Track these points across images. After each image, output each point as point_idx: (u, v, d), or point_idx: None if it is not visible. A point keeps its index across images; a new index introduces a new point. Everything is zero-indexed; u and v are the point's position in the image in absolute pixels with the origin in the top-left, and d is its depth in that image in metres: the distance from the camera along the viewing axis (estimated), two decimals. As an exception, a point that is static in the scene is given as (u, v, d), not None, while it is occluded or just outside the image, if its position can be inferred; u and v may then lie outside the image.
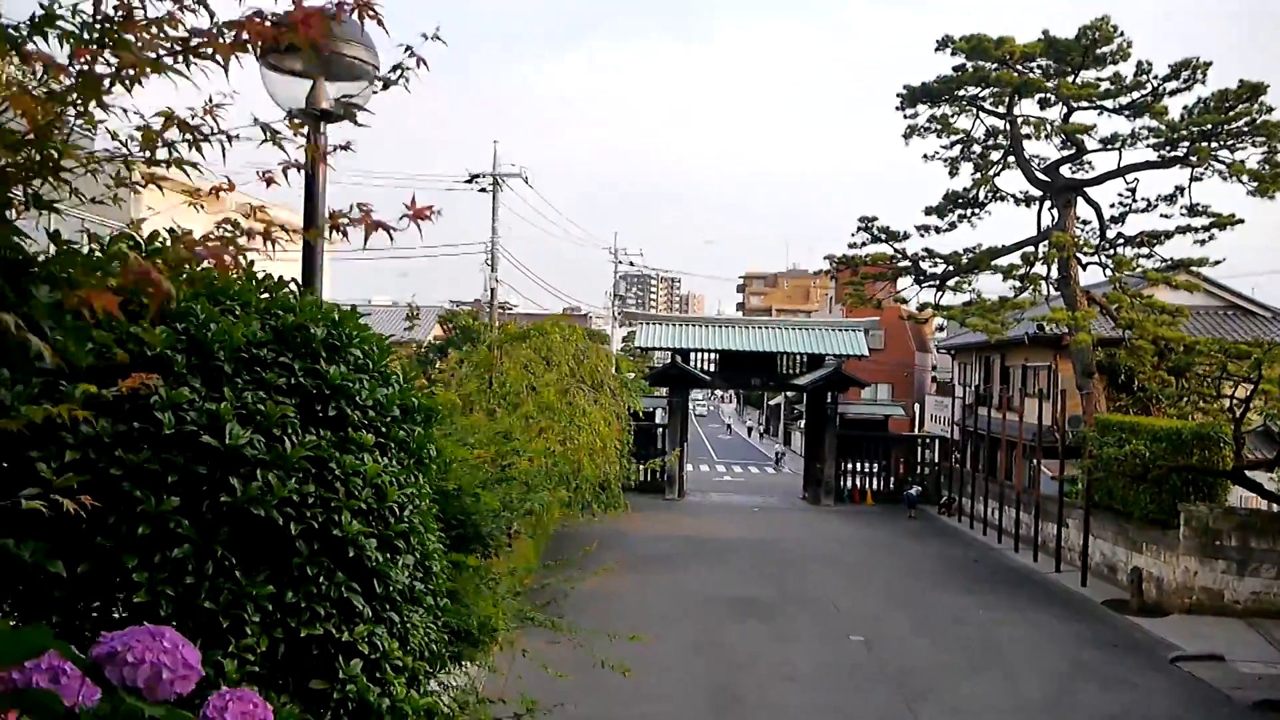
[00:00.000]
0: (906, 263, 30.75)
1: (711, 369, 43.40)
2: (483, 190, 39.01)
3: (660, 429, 42.20)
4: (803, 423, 63.44)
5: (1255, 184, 26.05)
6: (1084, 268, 28.00)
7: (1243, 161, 26.50)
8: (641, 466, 41.26)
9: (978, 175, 29.26)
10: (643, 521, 31.80)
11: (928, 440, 43.74)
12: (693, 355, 42.54)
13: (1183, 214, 28.58)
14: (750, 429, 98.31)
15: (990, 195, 30.46)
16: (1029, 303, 28.49)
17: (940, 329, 34.12)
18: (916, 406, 57.23)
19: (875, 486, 41.70)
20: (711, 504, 39.61)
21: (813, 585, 22.69)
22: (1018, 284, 29.24)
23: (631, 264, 61.39)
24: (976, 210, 30.87)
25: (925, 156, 30.79)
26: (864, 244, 31.04)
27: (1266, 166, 26.36)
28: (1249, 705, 14.54)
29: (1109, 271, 28.72)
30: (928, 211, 30.41)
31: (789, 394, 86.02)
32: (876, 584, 23.26)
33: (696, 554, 26.41)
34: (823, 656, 16.42)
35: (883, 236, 30.58)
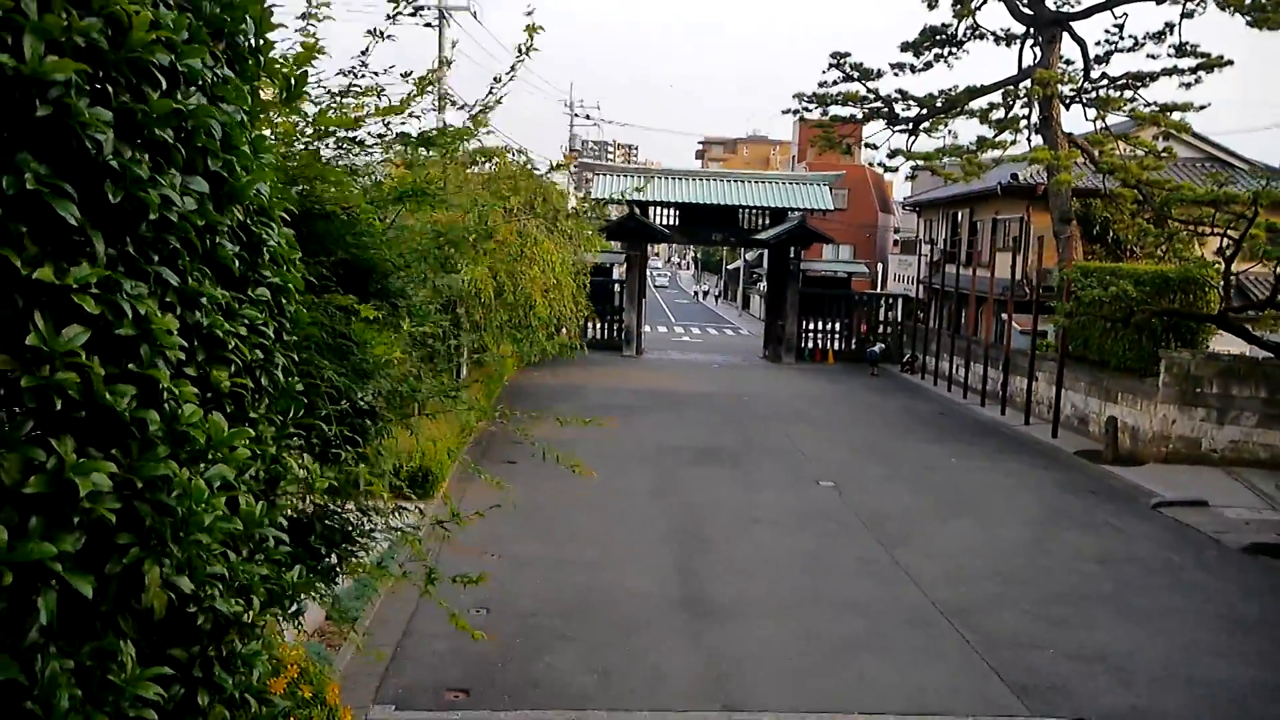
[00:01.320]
0: (879, 103, 28.91)
1: (672, 224, 41.73)
2: (428, 25, 36.20)
3: (617, 284, 40.78)
4: (763, 285, 62.29)
5: (1253, 15, 24.39)
6: (1067, 107, 26.42)
7: (1243, -10, 24.73)
8: (599, 324, 40.34)
9: (958, 6, 27.22)
10: (599, 376, 30.72)
11: (891, 299, 42.74)
12: (652, 211, 40.77)
13: (1170, 54, 26.96)
14: (707, 293, 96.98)
15: (970, 33, 28.54)
16: (1009, 143, 27.00)
17: (910, 176, 32.44)
18: (879, 267, 56.20)
19: (837, 346, 40.80)
20: (670, 361, 38.51)
21: (776, 435, 21.71)
22: (995, 129, 27.65)
23: (588, 117, 58.82)
24: (954, 50, 28.95)
25: (904, -10, 28.74)
26: (835, 83, 29.11)
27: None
28: (1240, 549, 13.81)
29: (1091, 115, 27.20)
30: (904, 48, 28.42)
31: (748, 258, 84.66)
32: (842, 434, 22.34)
33: (655, 406, 25.31)
34: (792, 502, 15.44)
35: (855, 75, 28.65)
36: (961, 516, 14.94)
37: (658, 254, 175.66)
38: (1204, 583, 12.29)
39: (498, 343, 17.50)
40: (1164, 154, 25.12)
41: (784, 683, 8.63)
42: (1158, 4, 26.38)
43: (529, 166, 21.04)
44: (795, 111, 30.03)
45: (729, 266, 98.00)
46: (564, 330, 21.22)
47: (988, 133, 27.98)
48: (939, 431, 23.53)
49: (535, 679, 8.60)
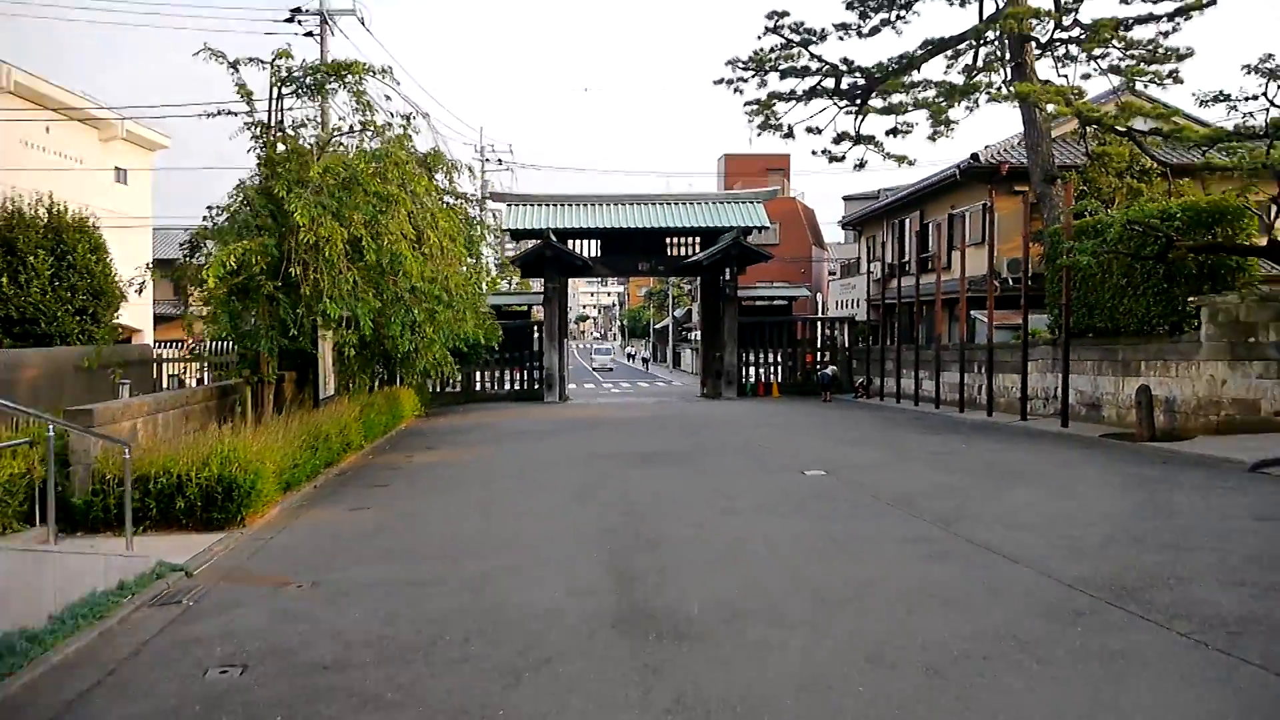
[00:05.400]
0: (824, 72, 25.03)
1: (594, 255, 37.37)
2: (309, 34, 31.73)
3: (535, 327, 36.09)
4: (695, 334, 58.00)
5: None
6: (1040, 52, 22.76)
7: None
8: (516, 372, 35.60)
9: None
10: (518, 414, 26.05)
11: (837, 322, 38.75)
12: (572, 243, 36.43)
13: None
14: (643, 357, 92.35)
15: (921, -14, 24.95)
16: (985, 84, 23.12)
17: (859, 164, 28.26)
18: (818, 297, 52.42)
19: (781, 378, 36.50)
20: (600, 404, 33.81)
21: (733, 438, 17.15)
22: (958, 93, 23.81)
23: (500, 162, 54.33)
24: (903, 12, 25.33)
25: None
26: (773, 50, 25.17)
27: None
28: None
29: (1064, 69, 23.68)
30: (848, 4, 24.67)
31: (676, 315, 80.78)
32: (811, 436, 17.80)
33: (584, 428, 20.61)
34: (776, 489, 10.79)
35: (796, 39, 24.76)
36: (1019, 488, 10.46)
37: (583, 331, 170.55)
38: None
39: (347, 314, 12.59)
40: (1157, 110, 21.35)
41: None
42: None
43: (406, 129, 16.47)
44: (729, 82, 25.94)
45: (656, 327, 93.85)
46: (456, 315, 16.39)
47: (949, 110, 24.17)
48: (927, 429, 19.15)
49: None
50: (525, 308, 37.89)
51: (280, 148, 13.48)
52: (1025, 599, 5.76)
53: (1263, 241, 16.20)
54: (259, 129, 13.75)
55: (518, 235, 37.71)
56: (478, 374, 34.60)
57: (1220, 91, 15.89)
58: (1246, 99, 16.28)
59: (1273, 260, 16.27)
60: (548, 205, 37.60)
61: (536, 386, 35.09)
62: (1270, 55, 15.40)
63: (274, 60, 13.49)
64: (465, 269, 19.27)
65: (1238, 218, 16.75)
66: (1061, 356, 19.71)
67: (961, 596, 5.88)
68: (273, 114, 13.81)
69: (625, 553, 7.64)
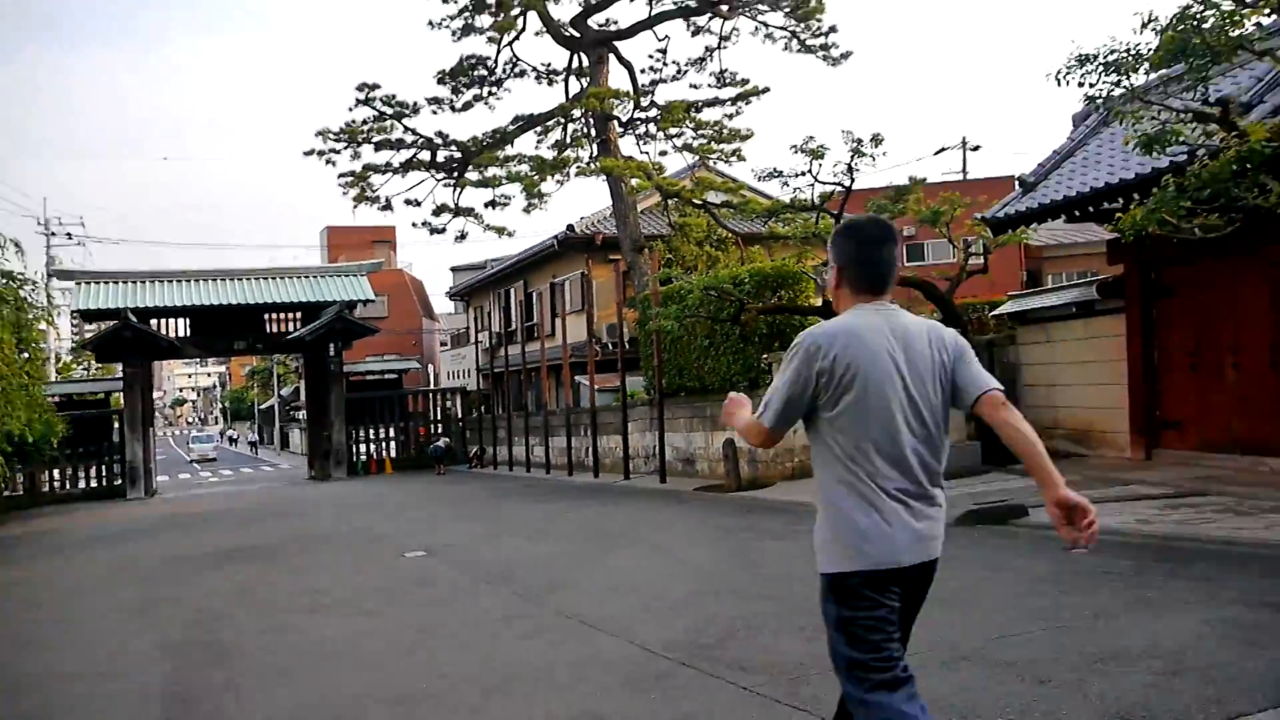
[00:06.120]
0: (419, 144, 24.97)
1: (184, 334, 34.40)
2: None
3: (115, 415, 32.49)
4: (303, 414, 55.24)
5: (787, 38, 23.98)
6: (621, 135, 24.30)
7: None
8: (92, 467, 31.66)
9: (494, 34, 24.27)
10: (92, 516, 23.06)
11: (449, 393, 38.59)
12: (159, 323, 33.38)
13: (713, 85, 26.09)
14: (240, 440, 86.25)
15: (510, 68, 25.77)
16: (574, 159, 24.19)
17: (460, 236, 28.46)
18: (429, 368, 51.98)
19: (394, 454, 35.67)
20: (194, 496, 30.90)
21: (338, 523, 16.22)
22: (551, 164, 24.75)
23: (70, 235, 48.80)
24: (495, 89, 26.02)
25: (431, 24, 25.24)
26: (365, 122, 24.69)
27: (797, 23, 24.30)
28: (952, 523, 10.85)
29: (645, 145, 25.45)
30: (440, 79, 24.89)
31: (283, 394, 76.46)
32: (417, 516, 17.26)
33: (166, 528, 18.57)
34: (370, 579, 10.15)
35: (389, 110, 24.49)
36: (618, 552, 10.64)
37: (180, 417, 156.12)
38: (962, 555, 8.98)
39: None
40: (726, 184, 23.51)
41: None
42: (693, 35, 25.47)
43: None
44: (321, 153, 25.08)
45: (262, 407, 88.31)
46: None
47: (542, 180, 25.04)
48: (536, 496, 19.33)
49: None
50: (103, 395, 34.15)
51: None
52: (608, 670, 5.69)
53: (818, 302, 18.11)
54: None
55: (91, 316, 34.01)
56: (45, 473, 30.58)
57: (774, 168, 17.62)
58: (796, 175, 18.26)
59: (827, 318, 18.17)
60: (128, 282, 34.25)
61: (119, 482, 31.59)
62: (811, 137, 17.35)
63: None
64: (26, 355, 16.92)
65: (797, 281, 18.67)
66: (658, 416, 20.81)
67: (547, 676, 5.69)
68: None
69: (188, 671, 6.70)
